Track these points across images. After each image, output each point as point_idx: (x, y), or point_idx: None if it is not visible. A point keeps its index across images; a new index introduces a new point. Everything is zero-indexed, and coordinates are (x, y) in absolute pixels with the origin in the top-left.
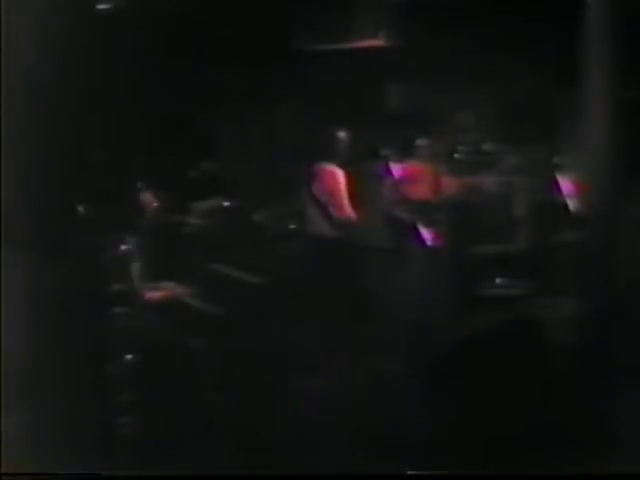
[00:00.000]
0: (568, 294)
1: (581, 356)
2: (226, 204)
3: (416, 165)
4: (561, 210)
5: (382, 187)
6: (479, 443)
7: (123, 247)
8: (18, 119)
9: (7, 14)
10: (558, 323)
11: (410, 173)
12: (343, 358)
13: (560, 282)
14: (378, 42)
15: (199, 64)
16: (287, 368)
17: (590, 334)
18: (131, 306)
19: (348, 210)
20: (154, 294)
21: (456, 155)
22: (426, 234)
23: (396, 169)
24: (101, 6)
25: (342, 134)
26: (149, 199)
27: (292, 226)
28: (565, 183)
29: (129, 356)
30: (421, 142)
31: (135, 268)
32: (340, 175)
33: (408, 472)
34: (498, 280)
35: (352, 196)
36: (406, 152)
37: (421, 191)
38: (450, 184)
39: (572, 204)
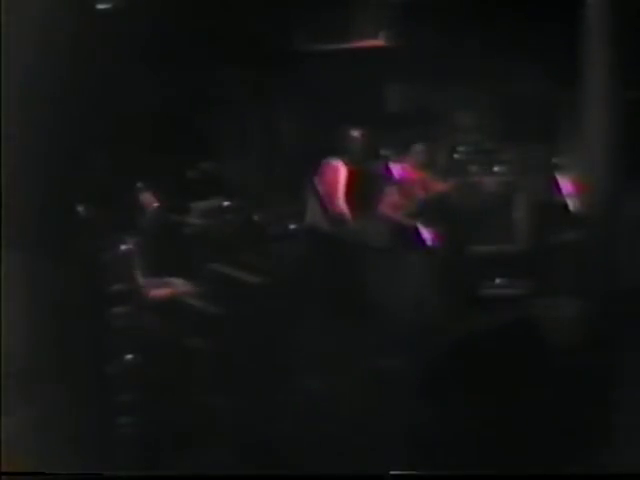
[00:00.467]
0: (568, 294)
1: (581, 356)
2: (226, 204)
3: (416, 165)
4: (561, 210)
5: (382, 187)
6: (479, 443)
7: (123, 247)
8: (18, 119)
9: (7, 14)
10: (558, 323)
11: (410, 173)
12: (343, 358)
13: (560, 282)
14: (378, 42)
15: (199, 64)
16: (287, 368)
17: (590, 334)
18: (131, 306)
19: (342, 206)
20: (157, 291)
21: (456, 155)
22: (426, 234)
23: (396, 169)
24: (101, 6)
25: (356, 133)
26: (149, 199)
27: (292, 226)
28: (565, 183)
29: (129, 356)
30: (421, 142)
31: (135, 268)
32: (342, 171)
33: (407, 472)
34: (498, 280)
35: (352, 194)
36: (406, 152)
37: (421, 191)
38: (450, 184)
39: (572, 204)
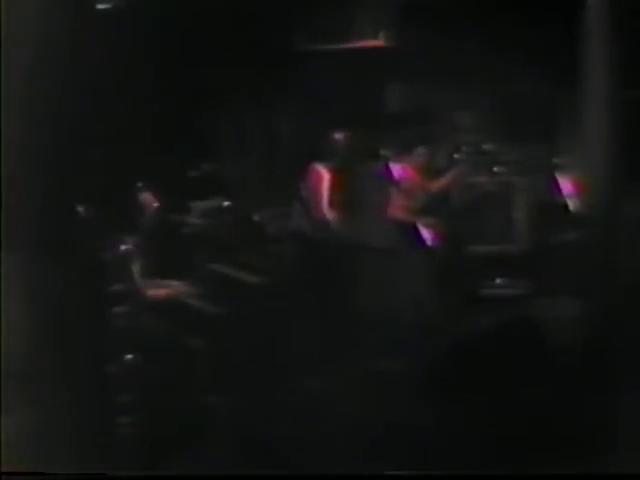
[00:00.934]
0: (568, 294)
1: (581, 356)
2: (226, 204)
3: (416, 165)
4: (561, 210)
5: (382, 187)
6: (479, 443)
7: (123, 247)
8: (18, 119)
9: (7, 14)
10: (558, 323)
11: (410, 173)
12: (343, 358)
13: (560, 282)
14: (378, 42)
15: (199, 64)
16: (287, 368)
17: (590, 334)
18: (131, 306)
19: (325, 211)
20: (156, 292)
21: (456, 155)
22: (426, 234)
23: (396, 169)
24: (101, 6)
25: (339, 135)
26: (149, 199)
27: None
28: (565, 183)
29: (129, 356)
30: (422, 144)
31: (135, 268)
32: (325, 175)
33: (407, 472)
34: (498, 280)
35: (337, 197)
36: (406, 152)
37: (421, 191)
38: (442, 179)
39: (572, 204)
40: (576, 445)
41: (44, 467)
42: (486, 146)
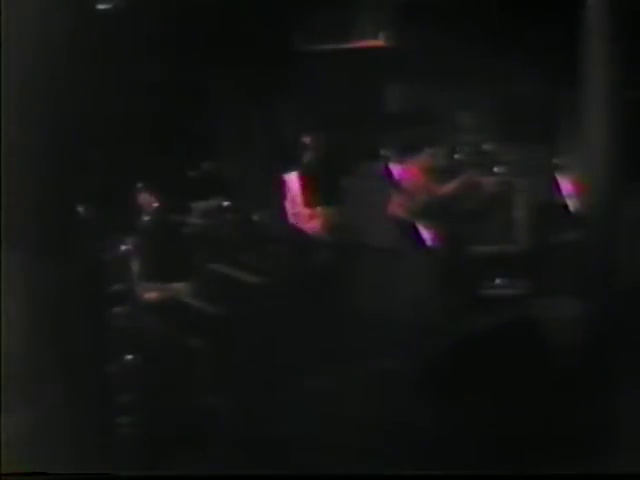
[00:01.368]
0: (568, 294)
1: (581, 356)
2: (226, 204)
3: (416, 165)
4: (561, 210)
5: (382, 187)
6: (479, 443)
7: (123, 247)
8: (18, 119)
9: (7, 13)
10: (558, 323)
11: (410, 173)
12: (343, 358)
13: (560, 282)
14: (378, 42)
15: (199, 64)
16: (287, 368)
17: (590, 334)
18: (131, 306)
19: (299, 217)
20: (156, 291)
21: (456, 155)
22: (426, 234)
23: (396, 169)
24: (101, 6)
25: (306, 139)
26: (149, 199)
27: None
28: (565, 183)
29: (129, 356)
30: (421, 142)
31: (135, 268)
32: (294, 182)
33: (407, 472)
34: (498, 280)
35: (311, 202)
36: (406, 152)
37: (421, 191)
38: (450, 184)
39: (572, 204)
40: (576, 445)
41: (44, 467)
42: (486, 146)
